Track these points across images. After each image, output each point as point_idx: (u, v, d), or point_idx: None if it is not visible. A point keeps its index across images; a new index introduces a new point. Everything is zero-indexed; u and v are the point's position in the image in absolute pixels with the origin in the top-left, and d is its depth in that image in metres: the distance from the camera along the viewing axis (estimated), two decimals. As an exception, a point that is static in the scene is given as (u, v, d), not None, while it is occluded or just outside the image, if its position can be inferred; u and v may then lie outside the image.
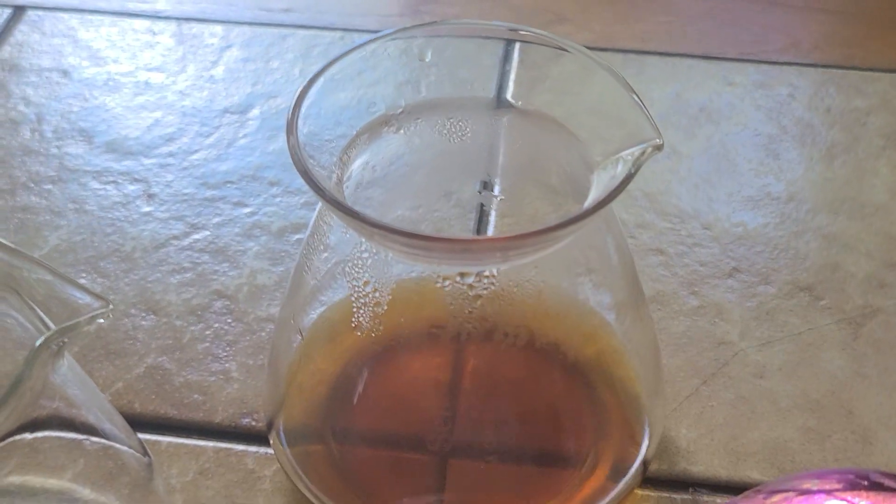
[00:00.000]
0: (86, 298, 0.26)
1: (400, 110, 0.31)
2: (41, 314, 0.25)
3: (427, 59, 0.31)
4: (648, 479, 0.35)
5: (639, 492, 0.34)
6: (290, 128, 0.27)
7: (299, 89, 0.28)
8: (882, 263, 0.42)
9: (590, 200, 0.27)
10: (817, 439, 0.36)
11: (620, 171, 0.27)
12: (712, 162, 0.47)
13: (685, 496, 0.34)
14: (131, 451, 0.32)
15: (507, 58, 0.39)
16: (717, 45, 0.54)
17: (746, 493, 0.25)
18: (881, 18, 0.55)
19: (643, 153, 0.27)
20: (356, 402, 0.34)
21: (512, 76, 0.42)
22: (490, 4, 0.55)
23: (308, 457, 0.34)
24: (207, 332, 0.39)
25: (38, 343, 0.25)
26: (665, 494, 0.34)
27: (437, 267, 0.29)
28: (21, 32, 0.54)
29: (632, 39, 0.54)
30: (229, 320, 0.40)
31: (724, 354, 0.38)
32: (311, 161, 0.26)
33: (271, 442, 0.34)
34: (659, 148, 0.27)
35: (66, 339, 0.25)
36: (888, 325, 0.40)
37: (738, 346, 0.39)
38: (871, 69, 0.52)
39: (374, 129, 0.31)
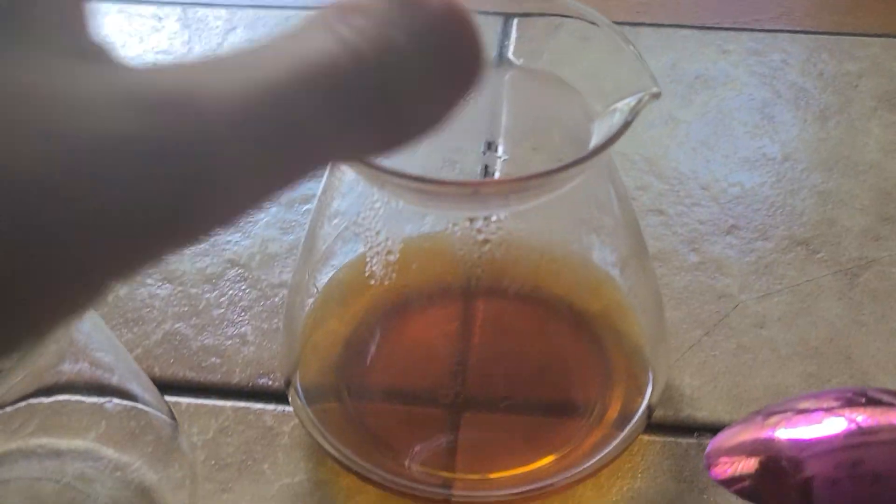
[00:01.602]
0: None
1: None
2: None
3: None
4: (655, 426, 0.36)
5: (645, 437, 0.35)
6: None
7: None
8: (876, 217, 0.43)
9: (591, 147, 0.28)
10: (817, 384, 0.37)
11: (618, 119, 0.28)
12: (709, 126, 0.48)
13: (690, 440, 0.35)
14: (156, 411, 0.33)
15: (505, 34, 0.40)
16: (711, 15, 0.55)
17: (746, 416, 0.27)
18: (871, -15, 0.56)
19: (639, 101, 0.28)
20: (370, 357, 0.35)
21: (511, 51, 0.43)
22: (487, -18, 0.56)
23: (326, 412, 0.35)
24: (222, 299, 0.40)
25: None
26: (671, 439, 0.35)
27: (447, 213, 0.30)
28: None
29: (627, 12, 0.55)
30: (243, 287, 0.41)
31: (725, 307, 0.40)
32: None
33: (290, 399, 0.35)
34: (656, 96, 0.28)
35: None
36: (883, 274, 0.41)
37: (738, 299, 0.40)
38: (862, 34, 0.53)
39: None
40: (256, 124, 0.13)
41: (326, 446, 0.34)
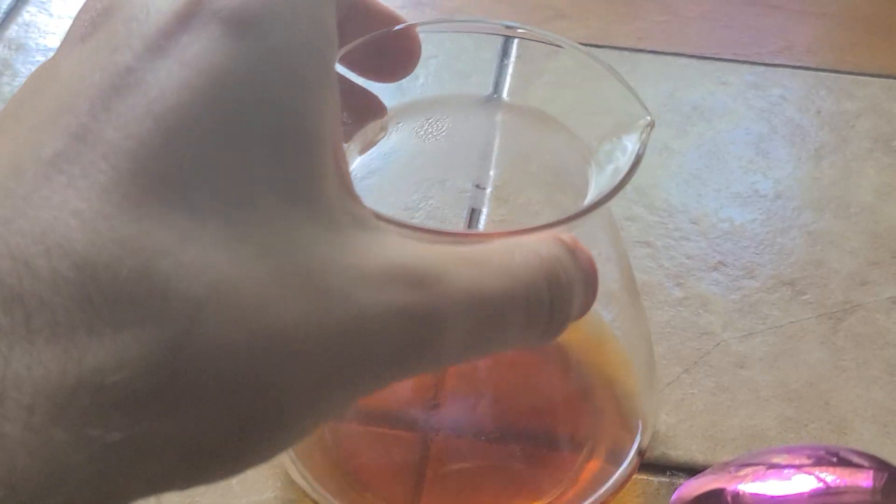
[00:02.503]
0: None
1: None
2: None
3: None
4: (628, 462, 0.35)
5: (618, 473, 0.35)
6: None
7: None
8: (865, 261, 0.43)
9: (591, 194, 0.27)
10: (794, 427, 0.37)
11: (619, 157, 0.27)
12: (703, 159, 0.48)
13: (662, 478, 0.35)
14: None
15: (505, 53, 0.40)
16: (712, 45, 0.54)
17: (718, 465, 0.26)
18: (873, 24, 0.56)
19: (640, 137, 0.27)
20: None
21: (510, 70, 0.43)
22: (490, 0, 0.56)
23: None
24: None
25: None
26: (643, 477, 0.35)
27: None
28: (28, 13, 0.55)
29: (628, 37, 0.54)
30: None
31: (707, 344, 0.39)
32: None
33: None
34: (651, 126, 0.27)
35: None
36: (867, 320, 0.40)
37: (721, 337, 0.40)
38: (861, 73, 0.53)
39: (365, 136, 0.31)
40: (477, 319, 0.18)
41: (292, 471, 0.33)
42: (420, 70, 0.33)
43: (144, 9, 0.17)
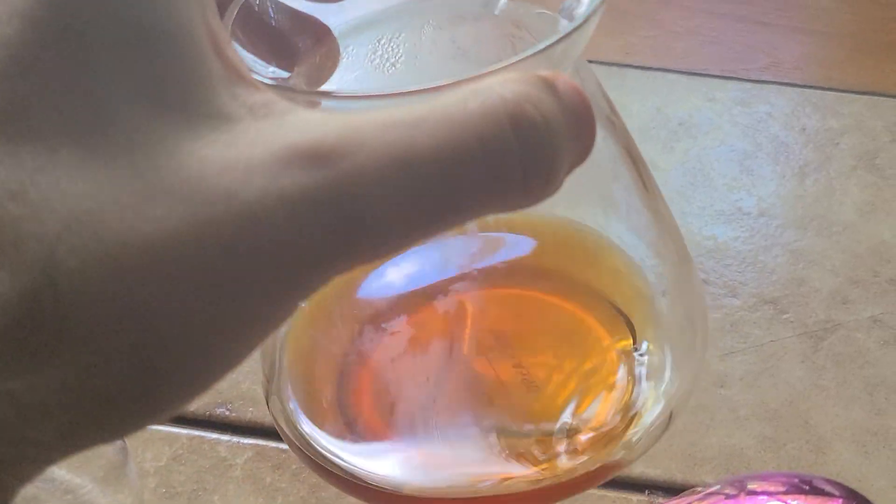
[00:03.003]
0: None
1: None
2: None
3: None
4: (605, 482, 0.36)
5: (596, 492, 0.35)
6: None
7: None
8: (846, 280, 0.43)
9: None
10: (773, 447, 0.37)
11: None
12: (687, 175, 0.48)
13: (641, 496, 0.35)
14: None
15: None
16: (699, 61, 0.55)
17: (690, 490, 0.27)
18: (860, 41, 0.57)
19: None
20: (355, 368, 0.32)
21: None
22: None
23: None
24: (187, 323, 0.40)
25: None
26: (622, 495, 0.36)
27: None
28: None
29: (615, 52, 0.55)
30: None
31: (688, 363, 0.40)
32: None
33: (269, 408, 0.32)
34: None
35: None
36: (848, 339, 0.41)
37: (702, 355, 0.40)
38: (847, 91, 0.53)
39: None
40: (412, 189, 0.15)
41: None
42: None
43: None
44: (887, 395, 0.39)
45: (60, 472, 0.34)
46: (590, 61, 0.56)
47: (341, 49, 0.26)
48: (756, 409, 0.38)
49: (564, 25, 0.22)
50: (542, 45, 0.19)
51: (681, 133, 0.50)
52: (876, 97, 0.52)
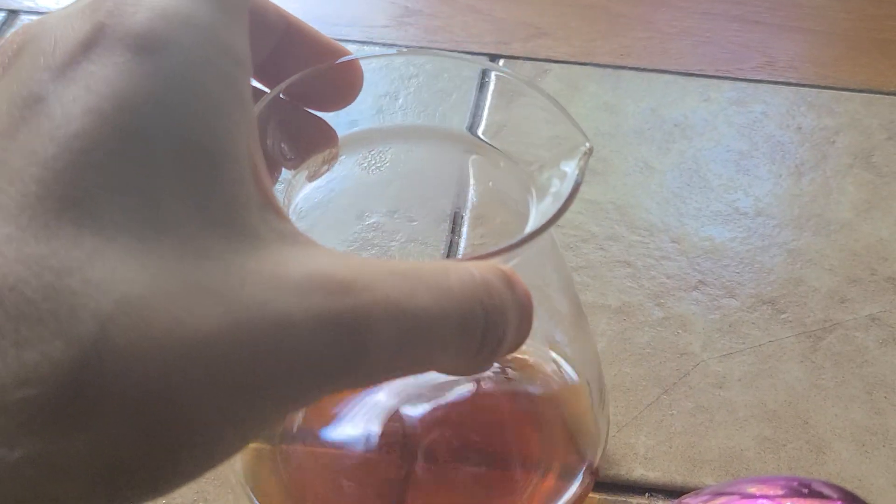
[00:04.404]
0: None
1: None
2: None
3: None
4: (608, 484, 0.36)
5: (596, 496, 0.35)
6: None
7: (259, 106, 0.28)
8: (844, 279, 0.43)
9: (532, 221, 0.27)
10: (772, 448, 0.37)
11: (556, 187, 0.26)
12: (684, 176, 0.48)
13: (642, 500, 0.35)
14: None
15: (485, 74, 0.39)
16: (694, 61, 0.55)
17: (686, 495, 0.27)
18: (855, 39, 0.57)
19: (579, 163, 0.26)
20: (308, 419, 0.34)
21: (491, 89, 0.43)
22: (473, 18, 0.57)
23: (252, 463, 0.33)
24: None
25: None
26: (622, 499, 0.35)
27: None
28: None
29: (610, 54, 0.55)
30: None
31: (686, 365, 0.40)
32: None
33: None
34: (589, 152, 0.26)
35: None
36: (846, 338, 0.41)
37: (700, 357, 0.40)
38: (842, 88, 0.53)
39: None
40: (403, 335, 0.17)
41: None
42: (400, 89, 0.33)
43: (52, 41, 0.17)
44: (886, 394, 0.39)
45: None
46: (585, 64, 0.57)
47: (340, 155, 0.30)
48: (755, 409, 0.38)
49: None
50: (513, 241, 0.23)
51: (676, 134, 0.50)
52: (871, 94, 0.52)
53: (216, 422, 0.16)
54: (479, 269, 0.19)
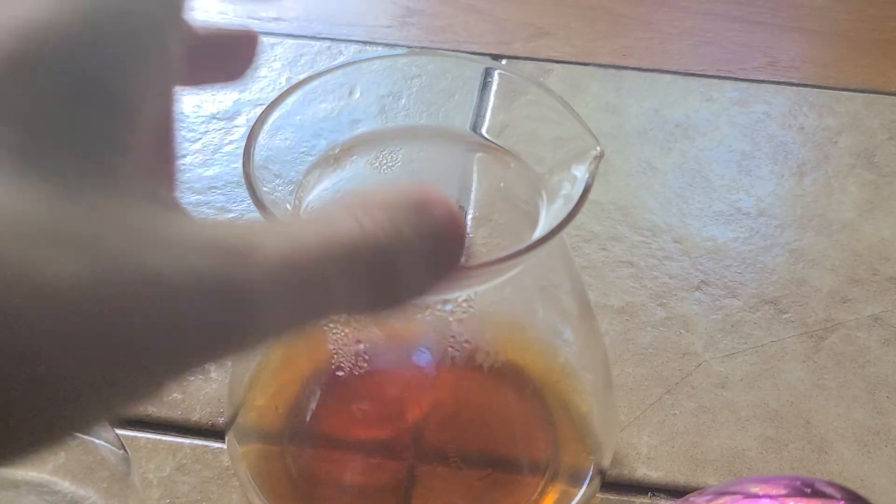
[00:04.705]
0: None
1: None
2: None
3: (357, 96, 0.31)
4: (610, 484, 0.36)
5: (600, 496, 0.35)
6: (247, 154, 0.26)
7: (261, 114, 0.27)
8: (846, 279, 0.43)
9: (541, 225, 0.27)
10: (775, 448, 0.37)
11: (567, 190, 0.27)
12: (686, 177, 0.48)
13: (644, 500, 0.36)
14: (109, 445, 0.33)
15: (488, 73, 0.40)
16: (696, 62, 0.55)
17: (689, 495, 0.27)
18: (856, 40, 0.57)
19: (589, 167, 0.26)
20: (317, 409, 0.34)
21: (493, 89, 0.43)
22: (475, 18, 0.57)
23: (262, 461, 0.34)
24: (188, 333, 0.40)
25: None
26: (625, 498, 0.36)
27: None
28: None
29: (612, 55, 0.55)
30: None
31: (688, 365, 0.40)
32: (279, 180, 0.27)
33: (227, 445, 0.34)
34: (601, 157, 0.27)
35: None
36: (848, 338, 0.41)
37: (702, 357, 0.40)
38: (844, 88, 0.53)
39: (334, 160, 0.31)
40: (291, 281, 0.17)
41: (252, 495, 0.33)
42: (403, 90, 0.33)
43: None
44: (888, 393, 0.39)
45: (64, 483, 0.34)
46: (586, 64, 0.57)
47: (351, 156, 0.30)
48: (757, 409, 0.38)
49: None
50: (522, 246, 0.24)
51: (678, 134, 0.50)
52: (873, 95, 0.53)
53: (76, 375, 0.15)
54: (376, 210, 0.18)
